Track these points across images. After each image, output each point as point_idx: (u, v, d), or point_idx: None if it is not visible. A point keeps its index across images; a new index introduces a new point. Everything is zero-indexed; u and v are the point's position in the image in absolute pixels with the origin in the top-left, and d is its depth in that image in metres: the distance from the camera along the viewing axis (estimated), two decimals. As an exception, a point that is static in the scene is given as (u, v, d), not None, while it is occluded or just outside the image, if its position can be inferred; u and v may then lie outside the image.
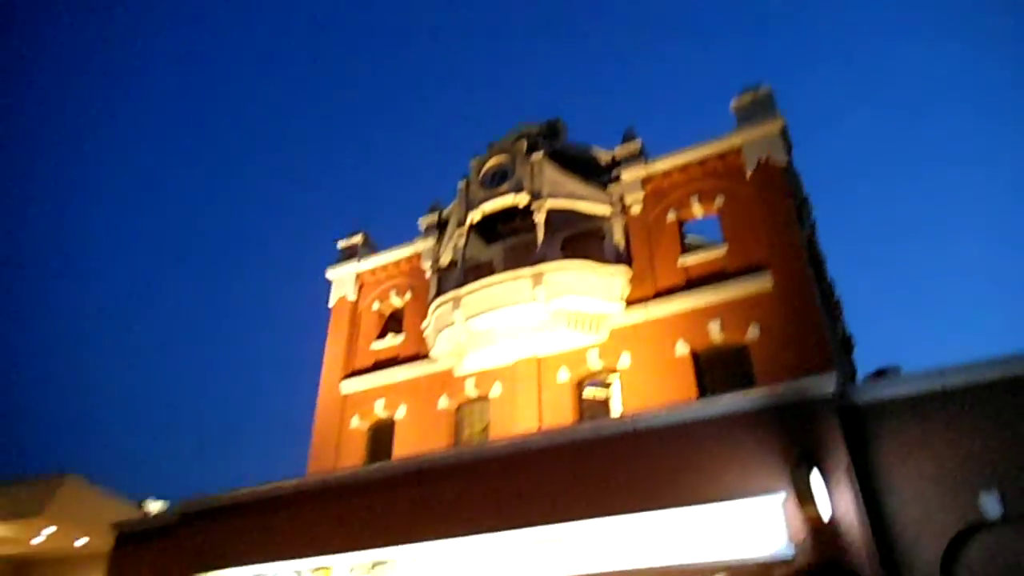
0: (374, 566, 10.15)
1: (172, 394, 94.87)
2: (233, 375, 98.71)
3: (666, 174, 15.58)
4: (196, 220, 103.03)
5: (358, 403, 16.83)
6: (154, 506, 18.56)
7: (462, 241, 16.14)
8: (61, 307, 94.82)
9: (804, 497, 7.68)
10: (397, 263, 18.56)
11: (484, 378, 15.29)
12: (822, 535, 7.65)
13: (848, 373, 16.32)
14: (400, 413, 16.06)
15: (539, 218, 15.12)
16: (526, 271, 14.21)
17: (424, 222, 18.54)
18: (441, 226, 17.98)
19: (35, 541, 18.63)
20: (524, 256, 15.33)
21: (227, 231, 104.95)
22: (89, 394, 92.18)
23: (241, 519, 11.64)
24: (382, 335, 17.85)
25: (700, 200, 15.07)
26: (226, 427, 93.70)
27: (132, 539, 12.94)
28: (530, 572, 8.97)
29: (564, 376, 14.35)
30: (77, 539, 18.38)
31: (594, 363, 14.24)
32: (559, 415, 13.79)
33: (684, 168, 15.45)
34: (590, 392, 14.36)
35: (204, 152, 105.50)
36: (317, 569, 10.58)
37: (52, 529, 17.83)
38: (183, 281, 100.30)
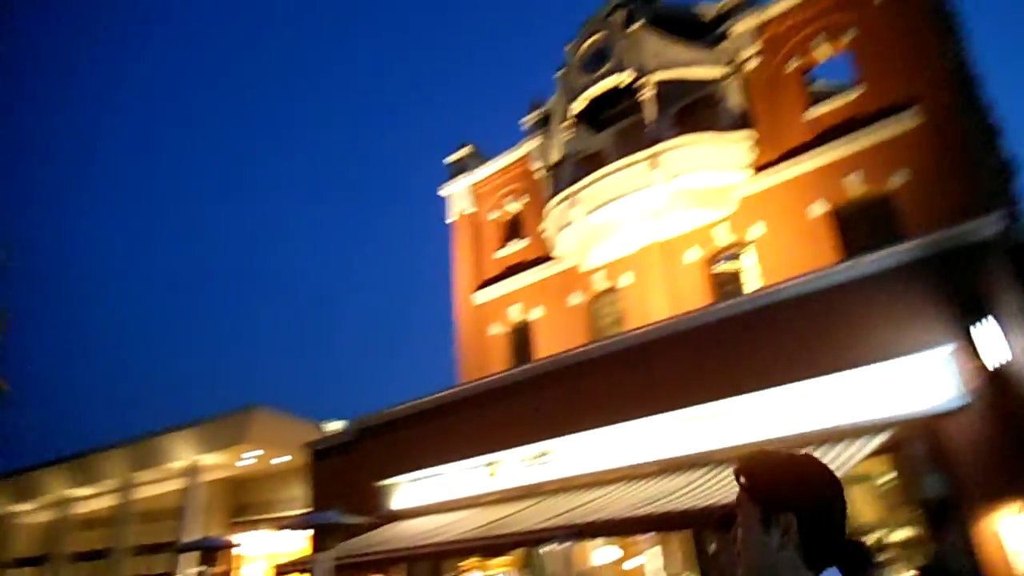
0: (538, 456, 10.84)
1: (329, 328, 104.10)
2: (373, 302, 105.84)
3: (783, 17, 14.09)
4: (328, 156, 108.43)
5: (493, 311, 17.47)
6: (332, 426, 20.66)
7: (569, 135, 15.75)
8: (219, 262, 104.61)
9: (974, 346, 7.22)
10: (507, 169, 18.52)
11: (611, 270, 15.27)
12: (997, 382, 7.21)
13: (1012, 204, 14.66)
14: (534, 315, 16.51)
15: (647, 95, 14.37)
16: (640, 155, 13.71)
17: (528, 122, 18.21)
18: (546, 123, 17.60)
19: (240, 464, 21.54)
20: (636, 139, 14.72)
21: (344, 168, 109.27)
22: (261, 334, 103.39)
23: (411, 429, 12.74)
24: (505, 242, 18.15)
25: (826, 39, 13.56)
26: (381, 350, 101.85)
27: (323, 455, 14.58)
28: (690, 448, 9.21)
29: (693, 256, 14.02)
30: (274, 459, 21.01)
31: (723, 238, 13.76)
32: (691, 296, 13.59)
33: (804, 5, 13.87)
34: (722, 268, 13.98)
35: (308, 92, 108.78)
36: (488, 464, 11.47)
37: (258, 452, 20.47)
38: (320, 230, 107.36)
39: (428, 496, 12.19)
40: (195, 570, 18.78)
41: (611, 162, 14.34)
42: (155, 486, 22.41)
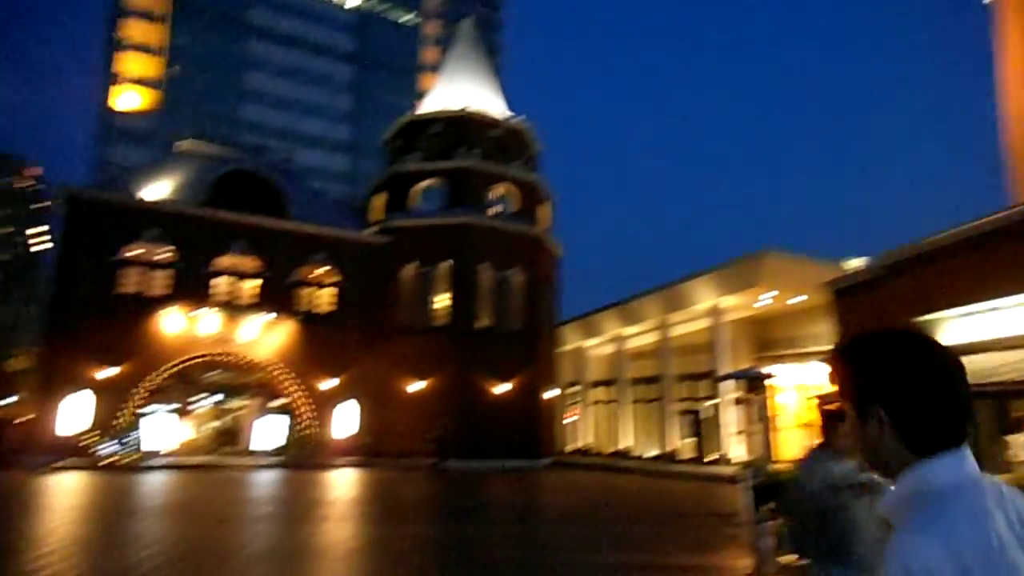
0: None
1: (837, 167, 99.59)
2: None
3: None
4: None
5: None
6: (853, 263, 19.89)
7: None
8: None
9: None
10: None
11: None
12: None
13: None
14: None
15: None
16: None
17: None
18: None
19: (757, 305, 22.75)
20: None
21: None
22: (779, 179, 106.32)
23: (953, 260, 11.41)
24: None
25: None
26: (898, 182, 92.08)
27: (846, 293, 14.35)
28: None
29: None
30: (790, 299, 21.53)
31: None
32: None
33: None
34: None
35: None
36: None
37: (772, 293, 21.37)
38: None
39: (983, 332, 10.96)
40: (737, 395, 21.24)
41: None
42: (686, 325, 25.64)
